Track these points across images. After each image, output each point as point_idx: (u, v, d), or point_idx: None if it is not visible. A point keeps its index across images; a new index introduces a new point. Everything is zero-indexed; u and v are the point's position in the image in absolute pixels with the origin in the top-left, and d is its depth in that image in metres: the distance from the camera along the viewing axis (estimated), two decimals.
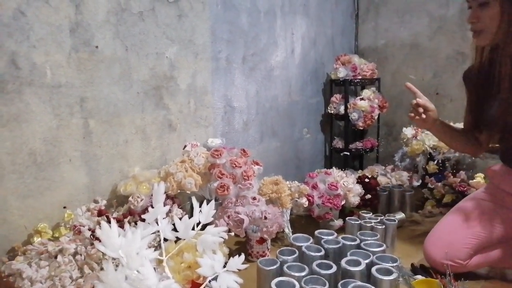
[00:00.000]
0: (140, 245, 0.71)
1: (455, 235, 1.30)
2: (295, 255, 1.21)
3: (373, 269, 1.11)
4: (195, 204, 0.89)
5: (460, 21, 2.53)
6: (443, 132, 1.41)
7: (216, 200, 1.51)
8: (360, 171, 2.38)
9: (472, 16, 1.18)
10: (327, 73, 2.71)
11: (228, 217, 1.40)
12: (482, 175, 2.02)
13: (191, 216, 0.87)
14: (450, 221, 1.37)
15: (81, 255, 1.12)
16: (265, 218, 1.41)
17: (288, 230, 1.62)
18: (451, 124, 1.49)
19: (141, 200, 1.39)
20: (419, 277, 1.20)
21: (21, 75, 1.21)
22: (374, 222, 1.53)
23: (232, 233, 1.29)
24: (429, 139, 2.13)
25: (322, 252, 1.23)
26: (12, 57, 1.19)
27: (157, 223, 0.84)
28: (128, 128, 1.54)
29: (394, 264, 1.15)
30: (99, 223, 1.02)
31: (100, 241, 0.69)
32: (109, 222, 0.72)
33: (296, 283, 1.03)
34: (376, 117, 2.55)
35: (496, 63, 1.20)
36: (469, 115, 1.40)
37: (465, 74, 1.40)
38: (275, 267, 1.14)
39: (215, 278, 0.81)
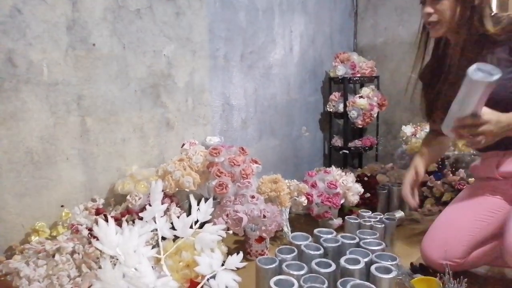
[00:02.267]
0: (137, 243, 0.70)
1: (450, 233, 1.30)
2: (294, 254, 1.21)
3: (372, 268, 1.11)
4: (193, 202, 0.88)
5: None
6: (432, 159, 1.56)
7: (214, 198, 1.50)
8: (359, 169, 2.38)
9: (428, 9, 1.28)
10: (325, 71, 2.71)
11: (227, 215, 1.40)
12: None
13: (189, 214, 0.87)
14: (443, 221, 1.37)
15: (79, 253, 1.11)
16: (264, 216, 1.40)
17: (287, 228, 1.61)
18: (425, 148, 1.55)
19: (139, 199, 1.39)
20: (418, 275, 1.19)
21: (18, 73, 1.21)
22: (373, 221, 1.52)
23: (231, 232, 1.28)
24: None
25: (321, 251, 1.23)
26: (9, 55, 1.18)
27: (154, 221, 0.84)
28: (125, 126, 1.53)
29: (393, 263, 1.15)
30: (96, 222, 1.02)
31: (97, 239, 0.69)
32: (106, 220, 0.71)
33: (295, 281, 1.02)
34: (375, 115, 2.54)
35: (447, 53, 1.33)
36: (426, 107, 1.47)
37: (421, 72, 1.47)
38: (274, 265, 1.13)
39: (213, 277, 0.81)
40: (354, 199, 1.78)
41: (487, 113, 1.09)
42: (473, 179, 1.96)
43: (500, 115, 1.11)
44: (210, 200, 0.91)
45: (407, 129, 2.29)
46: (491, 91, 1.04)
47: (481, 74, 1.02)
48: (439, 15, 1.27)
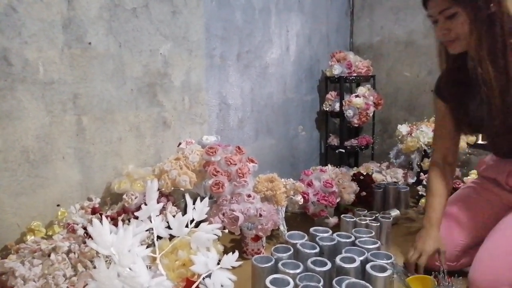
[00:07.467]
0: (132, 243, 0.70)
1: (443, 240, 1.29)
2: (290, 252, 1.21)
3: (368, 266, 1.12)
4: (189, 201, 0.89)
5: None
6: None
7: (211, 197, 1.51)
8: (355, 168, 2.39)
9: (442, 28, 1.16)
10: (322, 70, 2.71)
11: (223, 214, 1.40)
12: (476, 171, 2.02)
13: (185, 213, 0.87)
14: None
15: (74, 253, 1.11)
16: (260, 215, 1.40)
17: (283, 227, 1.62)
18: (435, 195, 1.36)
19: (135, 198, 1.39)
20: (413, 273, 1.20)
21: (13, 72, 1.20)
22: (369, 219, 1.53)
23: (227, 231, 1.28)
24: (423, 136, 2.14)
25: (317, 249, 1.23)
26: (4, 53, 1.18)
27: (150, 220, 0.84)
28: (121, 125, 1.53)
29: (389, 261, 1.16)
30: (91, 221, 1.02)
31: (92, 238, 0.69)
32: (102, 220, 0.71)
33: (291, 280, 1.03)
34: (371, 114, 2.55)
35: (475, 69, 1.16)
36: (448, 122, 1.35)
37: (438, 85, 1.36)
38: (270, 264, 1.14)
39: (209, 276, 0.81)
40: (350, 197, 1.78)
41: None
42: (467, 178, 1.97)
43: None
44: (206, 199, 0.91)
45: (403, 128, 2.29)
46: None
47: None
48: (456, 32, 1.14)
